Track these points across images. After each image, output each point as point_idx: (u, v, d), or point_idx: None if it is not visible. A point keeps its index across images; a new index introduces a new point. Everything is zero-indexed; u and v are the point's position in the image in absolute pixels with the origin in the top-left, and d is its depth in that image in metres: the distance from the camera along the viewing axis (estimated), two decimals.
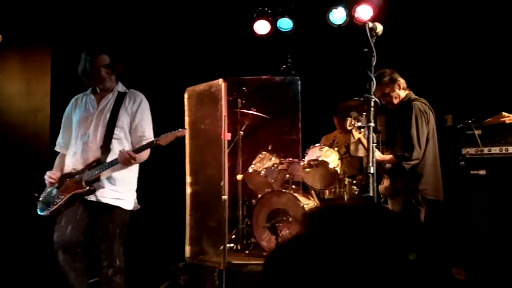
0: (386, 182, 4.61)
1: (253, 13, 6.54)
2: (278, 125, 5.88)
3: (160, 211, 6.46)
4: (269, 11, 6.50)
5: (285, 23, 6.51)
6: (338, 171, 5.58)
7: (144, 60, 6.78)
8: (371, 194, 2.54)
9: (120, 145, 3.94)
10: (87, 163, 3.92)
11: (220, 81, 5.27)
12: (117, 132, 3.94)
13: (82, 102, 4.10)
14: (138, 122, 4.03)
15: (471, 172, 4.71)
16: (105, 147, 3.90)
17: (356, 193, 5.60)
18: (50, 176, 3.98)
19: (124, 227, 4.10)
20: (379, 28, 3.07)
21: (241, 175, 5.82)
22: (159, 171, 6.55)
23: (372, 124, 2.73)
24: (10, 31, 3.72)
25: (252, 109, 5.88)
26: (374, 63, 2.93)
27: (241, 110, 5.82)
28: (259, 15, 6.53)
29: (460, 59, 5.96)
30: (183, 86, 5.77)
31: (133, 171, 4.13)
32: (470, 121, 4.69)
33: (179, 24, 6.61)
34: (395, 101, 4.60)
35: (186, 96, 5.72)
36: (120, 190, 3.98)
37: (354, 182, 5.74)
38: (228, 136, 5.23)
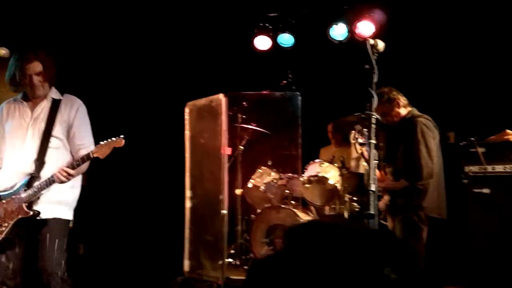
0: (386, 199, 4.52)
1: (254, 29, 6.57)
2: (277, 140, 5.88)
3: (158, 225, 6.44)
4: (270, 27, 6.52)
5: (285, 39, 6.53)
6: (338, 188, 5.56)
7: (145, 74, 6.81)
8: (372, 212, 2.53)
9: (58, 155, 3.67)
10: (21, 178, 3.62)
11: (221, 96, 5.28)
12: (53, 142, 3.67)
13: (15, 109, 3.77)
14: (76, 129, 3.74)
15: (474, 190, 4.67)
16: (40, 160, 3.62)
17: (357, 210, 5.58)
18: None
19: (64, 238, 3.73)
20: (381, 45, 3.07)
21: (241, 190, 5.80)
22: (158, 185, 6.55)
23: (373, 141, 2.72)
24: None
25: (252, 124, 5.88)
26: (375, 80, 2.93)
27: (241, 125, 5.82)
28: (260, 30, 6.55)
29: (463, 75, 5.97)
30: (183, 101, 5.78)
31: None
32: (473, 139, 4.66)
33: (181, 39, 6.64)
34: (395, 119, 4.52)
35: (187, 110, 5.73)
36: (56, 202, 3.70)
37: (354, 199, 5.72)
38: (228, 150, 5.23)
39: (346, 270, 0.95)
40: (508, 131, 4.89)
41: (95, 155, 3.53)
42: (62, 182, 3.55)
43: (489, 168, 4.43)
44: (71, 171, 3.53)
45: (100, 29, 6.33)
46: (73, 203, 3.82)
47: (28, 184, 3.60)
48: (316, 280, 0.95)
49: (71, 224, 3.85)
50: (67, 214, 3.75)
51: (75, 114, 3.75)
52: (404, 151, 4.32)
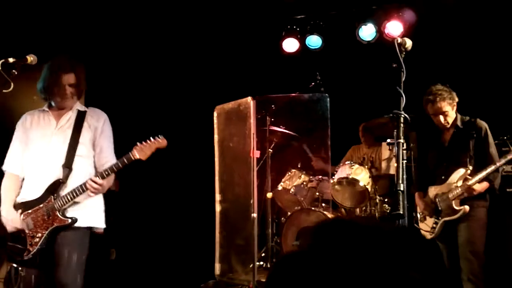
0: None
1: (282, 31, 6.56)
2: (307, 142, 5.85)
3: (190, 229, 6.48)
4: (298, 29, 6.52)
5: (313, 41, 6.51)
6: (369, 189, 5.51)
7: (174, 78, 6.87)
8: (401, 212, 2.49)
9: (84, 163, 3.68)
10: (46, 186, 3.59)
11: (249, 99, 5.28)
12: (80, 149, 3.66)
13: (39, 118, 3.77)
14: (103, 142, 3.75)
15: (507, 190, 4.63)
16: (68, 166, 3.60)
17: (388, 211, 5.52)
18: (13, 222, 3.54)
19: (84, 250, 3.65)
20: (409, 43, 3.03)
21: (271, 193, 5.79)
22: (188, 189, 6.59)
23: (401, 141, 2.68)
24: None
25: (281, 126, 5.87)
26: (403, 79, 2.89)
27: (270, 128, 5.81)
28: (288, 33, 6.55)
29: (494, 72, 5.85)
30: (212, 104, 5.81)
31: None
32: (505, 137, 4.61)
33: (209, 43, 6.68)
34: (449, 121, 4.46)
35: (215, 114, 5.75)
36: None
37: (386, 200, 5.66)
38: (257, 154, 5.22)
39: (370, 269, 0.94)
40: None
41: (136, 157, 3.54)
42: (94, 191, 3.55)
43: None
44: (100, 181, 3.52)
45: (130, 34, 6.42)
46: (95, 209, 3.76)
47: (54, 191, 3.58)
48: (339, 278, 0.94)
49: (101, 231, 3.85)
50: (90, 221, 3.70)
51: (102, 126, 3.77)
52: (475, 153, 4.40)
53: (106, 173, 3.55)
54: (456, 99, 4.40)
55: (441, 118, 4.39)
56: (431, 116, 4.45)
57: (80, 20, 5.99)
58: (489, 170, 4.20)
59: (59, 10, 5.79)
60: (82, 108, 3.80)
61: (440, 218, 4.44)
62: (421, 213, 4.61)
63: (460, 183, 4.35)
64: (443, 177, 4.46)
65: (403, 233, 1.06)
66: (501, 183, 4.56)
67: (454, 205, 4.36)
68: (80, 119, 3.73)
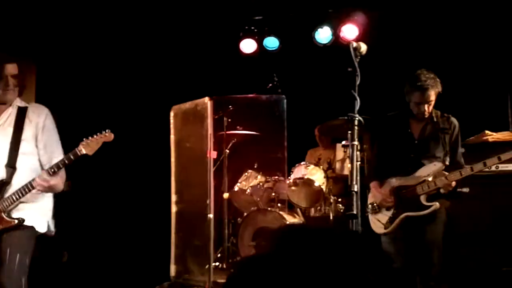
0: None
1: (240, 32, 6.58)
2: (264, 143, 5.88)
3: (145, 230, 6.42)
4: (255, 30, 6.55)
5: (271, 42, 6.56)
6: (324, 190, 5.58)
7: (130, 78, 6.80)
8: (354, 212, 2.54)
9: (28, 161, 3.53)
10: None
11: (206, 99, 5.28)
12: (23, 147, 3.52)
13: None
14: (47, 137, 3.60)
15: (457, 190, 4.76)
16: (11, 165, 3.48)
17: (342, 211, 5.61)
18: None
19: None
20: (363, 47, 3.09)
21: (227, 194, 5.80)
22: (143, 190, 6.53)
23: (356, 143, 2.74)
24: None
25: (238, 127, 5.88)
26: (358, 83, 2.95)
27: (227, 129, 5.81)
28: (246, 34, 6.58)
29: (444, 77, 6.02)
30: (169, 104, 5.78)
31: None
32: None
33: (166, 42, 6.63)
34: (428, 111, 4.16)
35: (172, 114, 5.73)
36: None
37: (340, 200, 5.75)
38: (213, 154, 5.23)
39: (327, 272, 0.96)
40: (487, 132, 4.98)
41: (82, 152, 3.41)
42: (43, 189, 3.44)
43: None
44: (47, 177, 3.40)
45: (86, 32, 6.31)
46: (43, 210, 3.63)
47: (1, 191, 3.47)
48: (296, 282, 0.96)
49: (52, 233, 3.74)
50: (35, 222, 3.55)
51: (44, 121, 3.61)
52: (451, 149, 4.20)
53: (52, 170, 3.42)
54: (441, 89, 4.15)
55: (426, 107, 4.09)
56: (414, 104, 4.12)
57: (31, 16, 5.85)
58: (475, 169, 3.95)
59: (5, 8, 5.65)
60: (22, 104, 3.65)
61: (400, 212, 4.09)
62: (375, 204, 4.27)
63: (431, 178, 4.04)
64: (409, 169, 4.14)
65: (356, 237, 1.09)
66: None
67: (422, 200, 4.05)
68: (21, 115, 3.58)
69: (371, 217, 4.27)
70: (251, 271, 1.03)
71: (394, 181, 4.16)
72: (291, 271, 0.97)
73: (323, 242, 1.02)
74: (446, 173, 3.99)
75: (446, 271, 4.71)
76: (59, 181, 3.53)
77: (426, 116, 4.17)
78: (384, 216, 4.17)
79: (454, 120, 4.28)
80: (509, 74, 5.92)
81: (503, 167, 4.71)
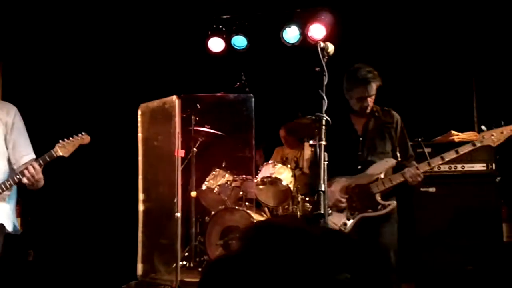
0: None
1: (207, 31, 6.57)
2: (231, 142, 5.89)
3: (112, 228, 6.36)
4: (223, 29, 6.55)
5: (239, 41, 6.57)
6: (291, 188, 5.62)
7: (97, 75, 6.72)
8: (322, 212, 2.58)
9: None
10: None
11: (174, 97, 5.26)
12: None
13: None
14: (16, 136, 3.55)
15: (421, 189, 4.85)
16: None
17: (309, 210, 5.66)
18: None
19: None
20: (331, 48, 3.13)
21: (195, 192, 5.79)
22: (110, 188, 6.47)
23: (323, 142, 2.77)
24: None
25: (206, 126, 5.88)
26: (325, 82, 2.99)
27: (195, 127, 5.81)
28: (213, 32, 6.57)
29: (411, 78, 6.14)
30: (136, 103, 5.73)
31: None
32: (420, 139, 4.82)
33: (134, 40, 6.58)
34: (371, 106, 3.98)
35: (139, 112, 5.69)
36: None
37: (307, 199, 5.80)
38: (181, 153, 5.21)
39: (298, 271, 0.97)
40: (453, 132, 5.10)
41: (58, 154, 3.42)
42: (30, 183, 3.40)
43: (435, 167, 4.58)
44: (38, 168, 3.36)
45: (53, 29, 6.22)
46: (6, 210, 3.58)
47: None
48: (268, 282, 0.96)
49: (18, 232, 3.70)
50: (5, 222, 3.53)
51: (13, 119, 3.56)
52: (400, 144, 4.03)
53: (39, 163, 3.41)
54: (381, 83, 3.99)
55: (369, 101, 3.91)
56: (355, 99, 3.93)
57: None
58: (432, 164, 3.81)
59: None
60: None
61: (355, 213, 3.87)
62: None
63: (383, 175, 3.87)
64: (358, 167, 3.93)
65: (331, 234, 1.09)
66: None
67: (378, 200, 3.85)
68: None
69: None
70: (221, 273, 1.03)
71: (344, 180, 3.92)
72: (262, 270, 0.97)
73: (295, 239, 1.02)
74: (415, 164, 3.86)
75: (411, 270, 4.81)
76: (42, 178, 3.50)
77: (369, 111, 3.99)
78: (338, 218, 3.90)
79: (395, 113, 4.12)
80: (475, 74, 6.06)
81: (469, 167, 4.82)
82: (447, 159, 3.84)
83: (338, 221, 3.89)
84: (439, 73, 6.09)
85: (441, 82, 6.09)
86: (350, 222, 3.83)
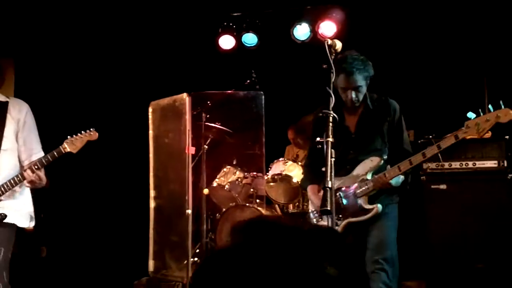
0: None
1: (218, 28, 6.58)
2: (242, 139, 5.91)
3: (123, 225, 6.41)
4: (234, 26, 6.55)
5: (249, 39, 6.57)
6: None
7: (109, 73, 6.76)
8: (328, 208, 2.58)
9: (9, 157, 3.57)
10: None
11: (184, 95, 5.28)
12: (5, 143, 3.54)
13: None
14: (27, 134, 3.63)
15: (432, 186, 4.82)
16: None
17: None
18: None
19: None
20: (338, 45, 3.11)
21: (207, 189, 5.82)
22: (122, 185, 6.51)
23: (330, 139, 2.77)
24: None
25: (216, 123, 5.89)
26: (333, 80, 2.99)
27: (205, 124, 5.82)
28: (224, 30, 6.58)
29: (421, 74, 6.11)
30: (147, 100, 5.77)
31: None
32: (431, 136, 4.78)
33: (144, 38, 6.61)
34: (360, 98, 3.67)
35: (150, 110, 5.72)
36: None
37: None
38: (192, 150, 5.23)
39: (285, 267, 0.99)
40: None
41: (66, 150, 3.46)
42: (31, 182, 3.46)
43: (446, 165, 4.54)
44: (39, 172, 3.43)
45: (65, 27, 6.26)
46: (23, 207, 3.66)
47: None
48: (257, 277, 0.98)
49: (31, 228, 3.76)
50: (16, 219, 3.58)
51: (25, 117, 3.64)
52: (390, 138, 3.71)
53: (36, 167, 3.46)
54: (372, 72, 3.66)
55: (353, 94, 3.58)
56: (340, 90, 3.61)
57: (6, 12, 5.79)
58: (414, 162, 3.47)
59: None
60: (3, 98, 3.66)
61: (342, 218, 3.58)
62: (315, 212, 3.77)
63: (370, 176, 3.58)
64: (348, 167, 3.66)
65: (322, 232, 1.11)
66: (426, 180, 4.77)
67: (362, 203, 3.57)
68: (2, 111, 3.59)
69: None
70: (214, 266, 1.05)
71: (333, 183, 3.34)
72: (253, 263, 0.99)
73: (286, 234, 1.04)
74: (389, 167, 3.57)
75: (422, 268, 4.79)
76: (45, 177, 3.57)
77: (357, 105, 3.67)
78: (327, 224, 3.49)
79: (393, 102, 3.77)
80: (487, 73, 6.01)
81: (480, 164, 4.77)
82: (429, 156, 3.50)
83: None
84: (451, 71, 6.05)
85: (452, 80, 6.04)
86: (338, 228, 3.48)
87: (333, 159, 2.72)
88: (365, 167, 3.63)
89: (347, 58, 3.56)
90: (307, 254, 0.99)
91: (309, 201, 3.91)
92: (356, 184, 3.62)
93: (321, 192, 3.30)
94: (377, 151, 3.66)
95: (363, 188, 3.60)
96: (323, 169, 2.92)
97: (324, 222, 3.53)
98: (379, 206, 3.54)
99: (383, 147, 3.70)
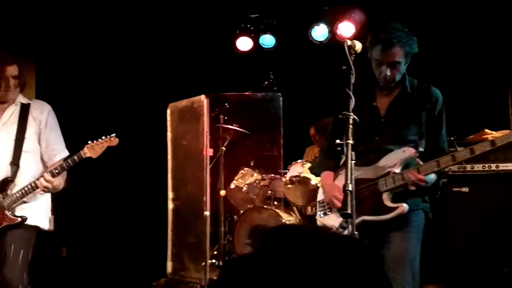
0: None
1: (236, 30, 6.59)
2: (259, 141, 5.90)
3: (142, 226, 6.44)
4: (251, 28, 6.55)
5: (267, 40, 6.56)
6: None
7: (127, 76, 6.80)
8: (349, 211, 2.54)
9: (31, 159, 3.60)
10: None
11: (202, 97, 5.29)
12: (26, 144, 3.58)
13: None
14: (49, 134, 3.66)
15: (454, 189, 4.75)
16: (15, 164, 3.52)
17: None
18: None
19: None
20: (358, 46, 3.06)
21: (224, 191, 5.82)
22: (140, 187, 6.54)
23: (351, 142, 2.73)
24: None
25: (234, 125, 5.89)
26: (353, 81, 2.94)
27: (223, 126, 5.83)
28: (241, 31, 6.58)
29: (443, 74, 6.04)
30: (165, 102, 5.78)
31: None
32: (452, 138, 4.71)
33: (162, 40, 6.64)
34: (397, 78, 3.16)
35: (168, 112, 5.73)
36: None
37: None
38: (210, 152, 5.24)
39: (308, 274, 0.98)
40: (487, 130, 4.97)
41: (87, 156, 3.50)
42: (45, 189, 3.48)
43: (468, 167, 4.46)
44: (50, 179, 3.44)
45: (79, 30, 6.31)
46: (42, 208, 3.68)
47: (2, 190, 3.51)
48: (280, 283, 0.97)
49: (51, 227, 3.82)
50: (37, 220, 3.62)
51: (46, 118, 3.67)
52: (428, 130, 3.18)
53: (57, 171, 3.49)
54: (416, 50, 3.16)
55: (388, 70, 3.10)
56: (374, 64, 3.16)
57: (29, 14, 5.85)
58: (459, 159, 2.99)
59: (4, 4, 5.64)
60: (25, 100, 3.70)
61: (356, 214, 2.81)
62: (324, 203, 3.34)
63: (399, 169, 3.06)
64: (371, 157, 3.14)
65: (345, 239, 1.10)
66: (447, 182, 4.70)
67: (384, 200, 3.06)
68: (24, 112, 3.63)
69: (319, 220, 3.33)
70: (236, 272, 1.04)
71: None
72: (275, 269, 0.98)
73: (308, 240, 1.03)
74: (420, 163, 3.04)
75: (443, 271, 4.72)
76: (61, 181, 3.61)
77: (391, 85, 3.18)
78: (337, 219, 3.17)
79: (436, 91, 3.28)
80: (510, 71, 5.93)
81: (503, 166, 4.69)
82: (478, 152, 2.98)
83: (336, 222, 3.16)
84: (474, 71, 5.97)
85: (475, 80, 5.96)
86: (351, 225, 2.79)
87: (354, 161, 2.68)
88: (394, 159, 3.08)
89: (389, 27, 3.08)
90: (329, 264, 0.98)
91: (320, 190, 3.40)
92: (380, 177, 3.08)
93: (336, 181, 3.24)
94: (409, 143, 3.11)
95: (389, 182, 3.04)
96: (338, 141, 2.77)
97: (332, 216, 3.23)
98: (406, 205, 3.00)
99: (418, 139, 3.13)
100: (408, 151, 3.07)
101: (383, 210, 3.04)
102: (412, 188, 3.00)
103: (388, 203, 3.05)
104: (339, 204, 3.05)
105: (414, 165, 3.07)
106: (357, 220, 2.88)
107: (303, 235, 1.05)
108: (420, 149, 3.10)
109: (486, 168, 4.69)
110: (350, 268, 0.98)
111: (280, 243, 1.04)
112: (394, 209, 3.02)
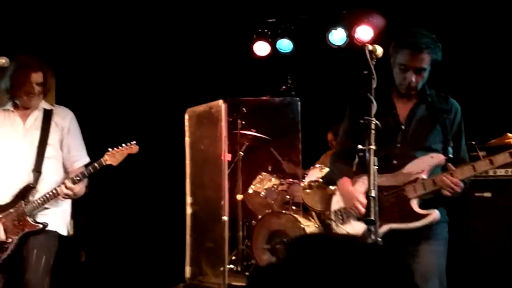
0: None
1: (253, 35, 6.59)
2: (278, 146, 5.88)
3: (160, 232, 6.45)
4: (269, 33, 6.55)
5: (284, 45, 6.55)
6: None
7: (145, 81, 6.83)
8: (372, 218, 2.51)
9: (53, 165, 3.61)
10: (15, 191, 3.53)
11: (220, 102, 5.29)
12: (49, 151, 3.59)
13: (4, 118, 3.64)
14: (71, 140, 3.69)
15: (476, 194, 4.68)
16: (37, 170, 3.54)
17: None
18: None
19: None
20: (379, 50, 3.02)
21: (241, 196, 5.81)
22: (158, 192, 6.56)
23: (373, 147, 2.70)
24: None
25: (252, 129, 5.89)
26: (374, 86, 2.91)
27: (241, 131, 5.83)
28: (259, 36, 6.58)
29: (462, 78, 5.98)
30: (183, 107, 5.80)
31: None
32: (474, 142, 4.65)
33: (180, 45, 6.66)
34: (420, 85, 3.12)
35: (186, 117, 5.75)
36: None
37: None
38: (228, 156, 5.24)
39: (340, 285, 0.96)
40: (509, 134, 4.89)
41: (107, 163, 3.52)
42: (66, 196, 3.50)
43: (491, 172, 4.38)
44: (71, 186, 3.46)
45: (98, 35, 6.35)
46: (63, 215, 3.71)
47: (24, 196, 3.52)
48: None
49: (71, 233, 3.84)
50: (58, 226, 3.64)
51: (69, 124, 3.70)
52: (455, 141, 3.12)
53: (78, 178, 3.50)
54: (440, 58, 3.14)
55: (413, 76, 3.05)
56: (398, 68, 3.11)
57: (49, 19, 5.90)
58: (496, 163, 2.91)
59: (26, 9, 5.70)
60: (48, 106, 3.72)
61: (381, 223, 2.83)
62: (341, 211, 3.26)
63: (426, 175, 2.99)
64: (393, 163, 3.07)
65: (377, 248, 1.08)
66: (469, 188, 4.63)
67: (413, 207, 2.95)
68: (47, 118, 3.65)
69: (338, 229, 3.23)
70: (265, 279, 1.03)
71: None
72: (306, 282, 0.97)
73: (340, 253, 1.01)
74: (453, 167, 2.92)
75: (465, 279, 4.64)
76: (82, 188, 3.62)
77: (413, 92, 3.13)
78: (357, 228, 3.07)
79: (454, 102, 3.24)
80: None
81: None
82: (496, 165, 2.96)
83: (356, 231, 3.06)
84: (495, 74, 5.90)
85: (497, 83, 5.89)
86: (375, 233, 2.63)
87: (376, 167, 2.65)
88: (421, 165, 3.01)
89: (416, 32, 3.05)
90: (363, 276, 0.96)
91: (336, 198, 3.31)
92: (408, 183, 2.99)
93: (356, 186, 3.14)
94: (433, 151, 3.06)
95: (419, 188, 2.96)
96: (360, 146, 2.71)
97: (348, 226, 3.16)
98: (437, 212, 2.91)
99: (443, 147, 3.07)
100: (436, 157, 3.02)
101: (413, 217, 2.95)
102: (446, 193, 2.91)
103: (418, 209, 2.95)
104: (362, 210, 2.92)
105: (439, 172, 3.02)
106: (384, 229, 2.87)
107: (334, 244, 1.04)
108: (450, 155, 3.04)
109: (509, 173, 4.62)
110: (384, 279, 0.97)
111: (310, 252, 1.03)
112: (425, 216, 2.94)
